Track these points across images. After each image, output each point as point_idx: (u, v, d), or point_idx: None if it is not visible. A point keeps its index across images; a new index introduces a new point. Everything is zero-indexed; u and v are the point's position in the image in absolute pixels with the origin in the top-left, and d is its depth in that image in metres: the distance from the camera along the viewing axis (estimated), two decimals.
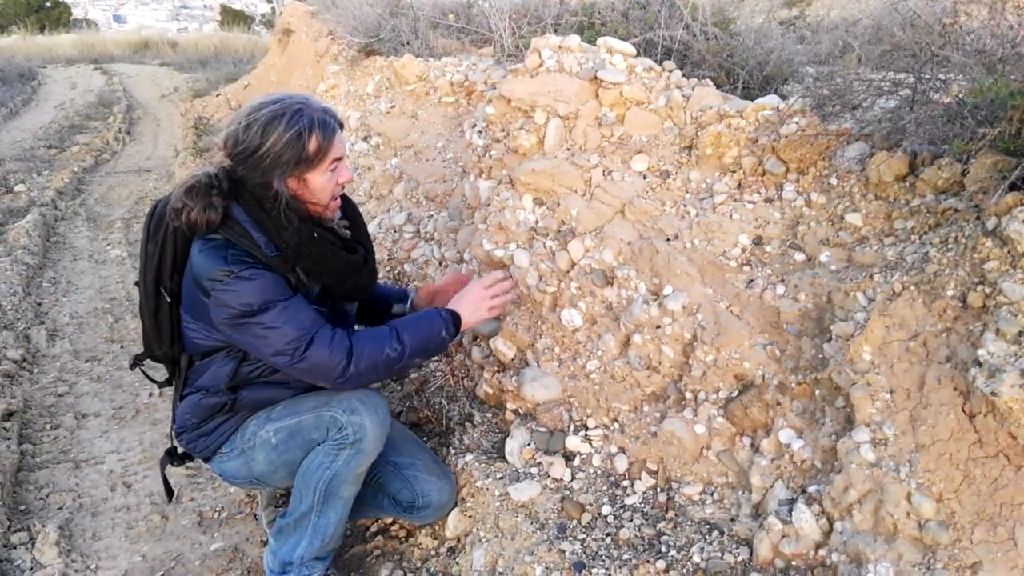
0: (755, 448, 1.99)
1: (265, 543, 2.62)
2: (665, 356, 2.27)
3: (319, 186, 1.94)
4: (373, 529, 2.58)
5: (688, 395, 2.18)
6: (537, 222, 2.86)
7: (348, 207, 2.19)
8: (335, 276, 2.02)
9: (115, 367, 4.00)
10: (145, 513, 2.89)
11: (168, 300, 2.03)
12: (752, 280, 2.25)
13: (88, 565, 2.63)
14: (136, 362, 2.25)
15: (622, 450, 2.30)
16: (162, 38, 20.44)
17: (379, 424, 2.07)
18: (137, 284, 2.10)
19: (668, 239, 2.48)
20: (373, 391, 2.15)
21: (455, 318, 2.15)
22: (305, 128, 1.88)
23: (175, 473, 3.07)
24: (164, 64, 17.03)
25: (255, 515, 2.76)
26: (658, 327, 2.30)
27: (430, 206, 4.13)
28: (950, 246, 1.80)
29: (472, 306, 2.21)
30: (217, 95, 11.16)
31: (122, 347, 4.22)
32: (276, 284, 1.88)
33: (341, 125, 1.99)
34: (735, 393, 2.08)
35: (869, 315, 1.81)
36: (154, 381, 2.32)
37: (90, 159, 8.58)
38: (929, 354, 1.65)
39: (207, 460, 2.26)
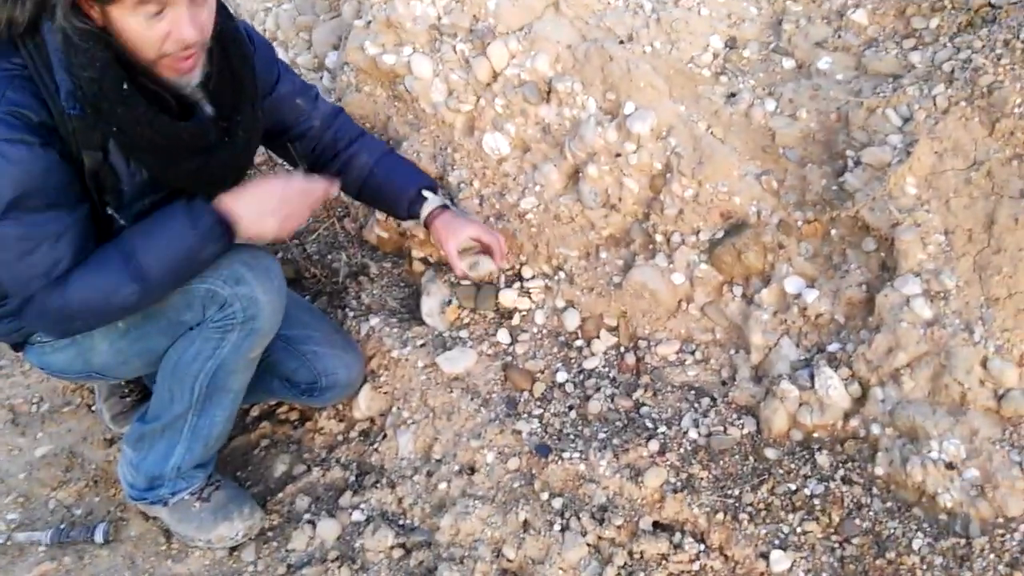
0: (748, 300, 1.67)
1: (110, 441, 2.03)
2: (628, 191, 1.84)
3: (134, 32, 1.22)
4: (255, 414, 2.07)
5: (659, 238, 1.80)
6: (440, 18, 2.21)
7: (234, 64, 1.42)
8: (153, 154, 1.33)
9: None
10: None
11: None
12: (734, 94, 1.83)
13: None
14: None
15: (571, 304, 1.91)
16: None
17: (275, 293, 1.52)
18: None
19: (621, 41, 1.97)
20: (260, 250, 1.57)
21: (224, 227, 1.40)
22: None
23: None
24: None
25: (90, 407, 2.13)
26: (618, 155, 1.85)
27: None
28: (999, 51, 1.47)
29: (256, 212, 1.43)
30: None
31: None
32: (44, 176, 1.25)
33: None
34: (720, 234, 1.73)
35: (910, 139, 1.47)
36: None
37: None
38: (996, 187, 1.35)
39: (17, 349, 1.61)
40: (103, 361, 1.56)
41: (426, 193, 1.77)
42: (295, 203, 1.49)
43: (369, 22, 2.31)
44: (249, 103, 1.46)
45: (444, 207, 1.78)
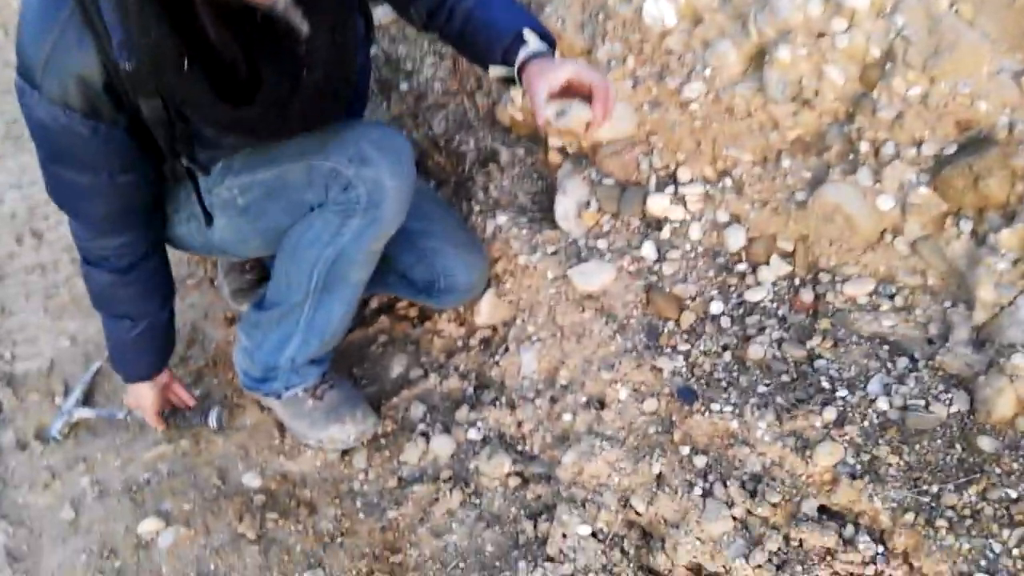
0: (980, 240, 1.29)
1: (231, 320, 1.98)
2: (829, 83, 1.45)
3: None
4: (374, 305, 1.94)
5: (864, 147, 1.42)
6: None
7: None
8: (218, 128, 1.24)
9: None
10: (66, 275, 2.19)
11: None
12: None
13: (0, 354, 1.99)
14: None
15: (736, 219, 1.59)
16: None
17: (403, 178, 1.34)
18: None
19: None
20: (392, 129, 1.40)
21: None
22: None
23: None
24: None
25: (212, 281, 2.08)
26: (821, 35, 1.44)
27: None
28: None
29: (135, 393, 1.66)
30: None
31: None
32: (72, 139, 1.17)
33: None
34: (953, 150, 1.33)
35: None
36: None
37: None
38: None
39: None
40: (222, 237, 1.46)
41: (527, 35, 1.31)
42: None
43: None
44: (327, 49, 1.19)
45: (545, 55, 1.32)
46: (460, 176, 1.95)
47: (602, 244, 1.67)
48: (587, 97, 1.26)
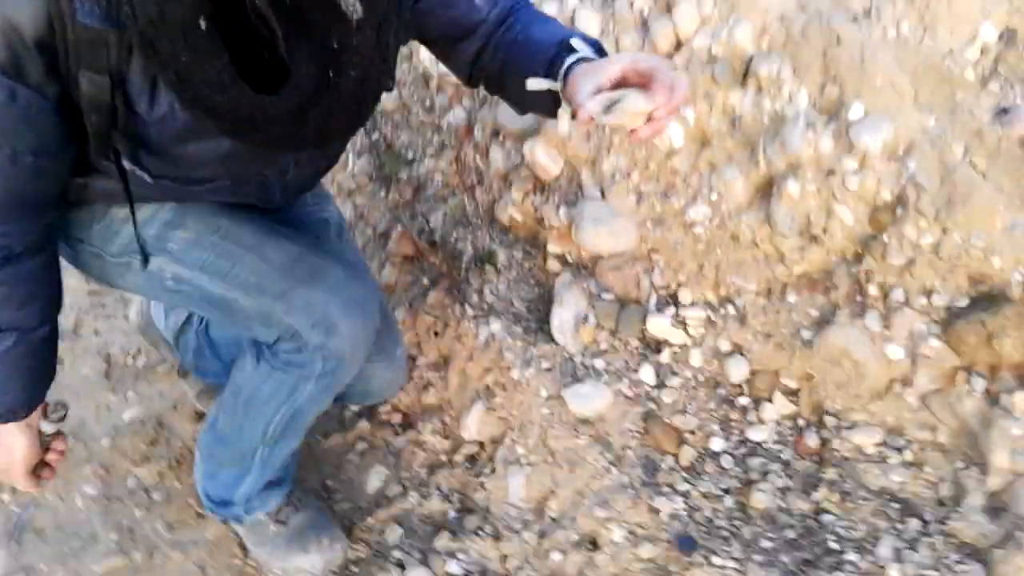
0: (993, 400, 1.25)
1: (201, 415, 1.87)
2: (839, 222, 1.43)
3: None
4: (355, 409, 1.85)
5: (873, 291, 1.39)
6: None
7: None
8: (224, 121, 0.93)
9: None
10: None
11: None
12: (1007, 110, 1.36)
13: None
14: None
15: (739, 349, 1.54)
16: None
17: (366, 345, 1.25)
18: None
19: (855, 18, 1.51)
20: (364, 282, 1.27)
21: None
22: None
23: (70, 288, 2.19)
24: None
25: (179, 373, 1.97)
26: (832, 172, 1.42)
27: None
28: None
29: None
30: None
31: None
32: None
33: None
34: (965, 303, 1.30)
35: None
36: None
37: None
38: None
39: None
40: (150, 295, 1.35)
41: (575, 43, 1.05)
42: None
43: None
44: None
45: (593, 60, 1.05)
46: (454, 277, 1.89)
47: (599, 363, 1.61)
48: (643, 83, 0.95)
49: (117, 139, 0.96)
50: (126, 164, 1.00)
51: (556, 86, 1.01)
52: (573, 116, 0.99)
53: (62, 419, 1.20)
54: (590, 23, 1.77)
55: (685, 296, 1.62)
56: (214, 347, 1.57)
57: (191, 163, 1.03)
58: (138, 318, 1.77)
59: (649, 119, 0.94)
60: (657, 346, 1.60)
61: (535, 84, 1.03)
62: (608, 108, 0.93)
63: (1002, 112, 1.36)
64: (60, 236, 1.15)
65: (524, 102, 1.16)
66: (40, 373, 1.14)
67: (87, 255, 1.21)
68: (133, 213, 1.10)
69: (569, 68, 1.00)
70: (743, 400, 1.49)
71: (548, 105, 1.06)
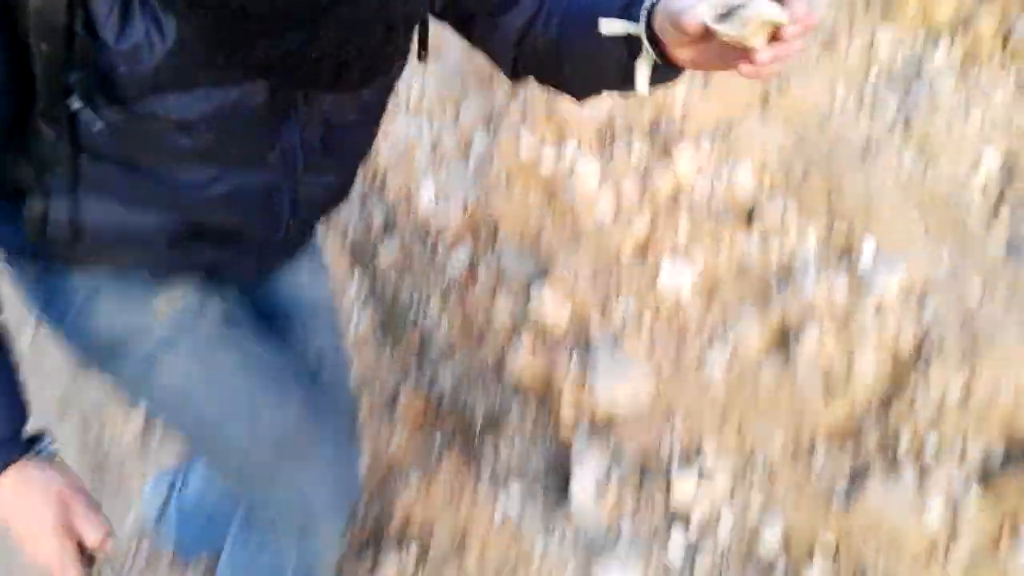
0: None
1: None
2: (860, 373, 1.35)
3: None
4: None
5: (904, 445, 1.29)
6: (611, 107, 1.82)
7: None
8: (225, 21, 0.66)
9: None
10: None
11: None
12: (1018, 248, 1.29)
13: None
14: None
15: (769, 508, 1.43)
16: None
17: (341, 530, 1.19)
18: None
19: (856, 153, 1.47)
20: (350, 468, 1.20)
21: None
22: None
23: None
24: None
25: None
26: (849, 318, 1.36)
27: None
28: None
29: (26, 525, 0.76)
30: None
31: None
32: None
33: None
34: (1001, 458, 1.19)
35: None
36: None
37: None
38: None
39: None
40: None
41: None
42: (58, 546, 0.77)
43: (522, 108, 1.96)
44: None
45: None
46: (466, 438, 1.83)
47: (625, 527, 1.52)
48: None
49: (73, 78, 0.70)
50: (76, 106, 0.71)
51: (638, 28, 0.78)
52: (657, 66, 0.77)
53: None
54: (589, 169, 1.78)
55: (709, 445, 1.54)
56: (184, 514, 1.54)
57: (169, 131, 0.75)
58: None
59: (774, 38, 0.68)
60: (685, 514, 1.50)
61: (610, 27, 0.80)
62: (724, 16, 0.68)
63: (1013, 249, 1.29)
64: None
65: (588, 75, 0.90)
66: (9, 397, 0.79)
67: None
68: (77, 178, 0.78)
69: (652, 7, 0.75)
70: (780, 568, 1.37)
71: (620, 65, 0.81)
